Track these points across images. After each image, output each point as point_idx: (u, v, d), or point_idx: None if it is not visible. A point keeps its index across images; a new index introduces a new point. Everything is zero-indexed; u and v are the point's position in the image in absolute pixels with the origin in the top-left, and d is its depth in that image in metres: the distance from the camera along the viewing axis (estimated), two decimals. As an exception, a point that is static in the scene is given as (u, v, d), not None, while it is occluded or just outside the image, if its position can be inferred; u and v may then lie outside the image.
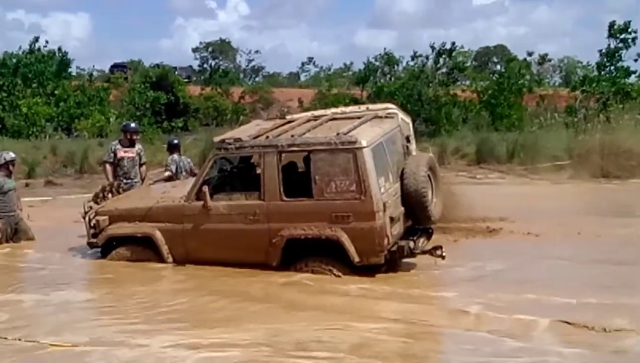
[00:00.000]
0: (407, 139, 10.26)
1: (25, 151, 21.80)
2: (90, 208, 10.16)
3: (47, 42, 32.10)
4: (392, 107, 10.65)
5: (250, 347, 6.67)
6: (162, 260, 9.47)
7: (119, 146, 11.89)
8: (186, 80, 36.38)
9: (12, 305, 8.25)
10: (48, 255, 10.53)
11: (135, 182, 11.74)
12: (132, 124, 12.66)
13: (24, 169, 20.10)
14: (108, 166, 11.89)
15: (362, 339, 6.80)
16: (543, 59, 35.47)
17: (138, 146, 12.13)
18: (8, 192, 11.20)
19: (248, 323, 7.34)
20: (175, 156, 12.42)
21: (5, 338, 7.04)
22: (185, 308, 8.07)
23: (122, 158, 11.80)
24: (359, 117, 9.88)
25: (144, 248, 9.61)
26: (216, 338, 6.92)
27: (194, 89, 37.00)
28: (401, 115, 10.56)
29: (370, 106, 10.84)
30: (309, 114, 11.20)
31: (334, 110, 10.97)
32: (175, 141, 13.05)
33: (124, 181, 11.54)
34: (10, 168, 11.39)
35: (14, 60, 30.74)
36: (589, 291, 8.23)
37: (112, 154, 11.85)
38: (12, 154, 11.51)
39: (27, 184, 18.58)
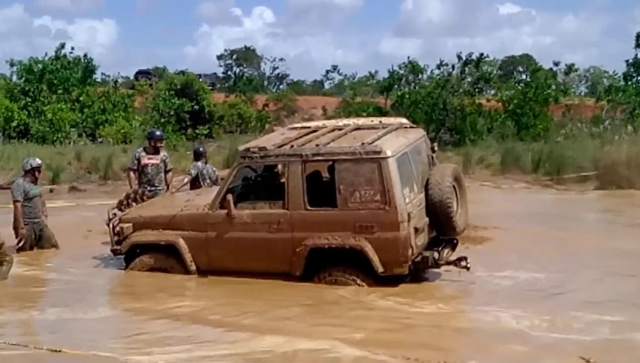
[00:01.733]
0: (433, 150, 10.20)
1: (49, 157, 21.85)
2: (114, 215, 10.19)
3: (72, 48, 32.30)
4: (405, 122, 10.60)
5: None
6: (185, 268, 9.47)
7: (143, 153, 11.92)
8: (210, 87, 36.47)
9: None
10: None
11: (160, 189, 11.75)
12: (157, 132, 12.67)
13: (48, 175, 20.13)
14: (132, 174, 11.94)
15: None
16: (570, 69, 35.16)
17: (163, 153, 12.16)
18: (33, 198, 11.23)
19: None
20: (200, 163, 12.35)
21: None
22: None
23: (146, 165, 11.82)
24: (384, 127, 9.84)
25: (167, 256, 9.62)
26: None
27: (218, 96, 37.08)
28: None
29: (384, 120, 10.77)
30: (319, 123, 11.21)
31: (345, 121, 10.93)
32: (201, 149, 12.96)
33: (148, 188, 11.55)
34: (37, 174, 11.42)
35: (40, 66, 30.99)
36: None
37: (135, 161, 11.89)
38: (38, 161, 11.54)
39: (51, 190, 18.59)
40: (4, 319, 8.10)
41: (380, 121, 10.49)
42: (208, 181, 12.10)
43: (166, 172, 12.07)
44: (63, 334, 7.59)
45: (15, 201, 11.07)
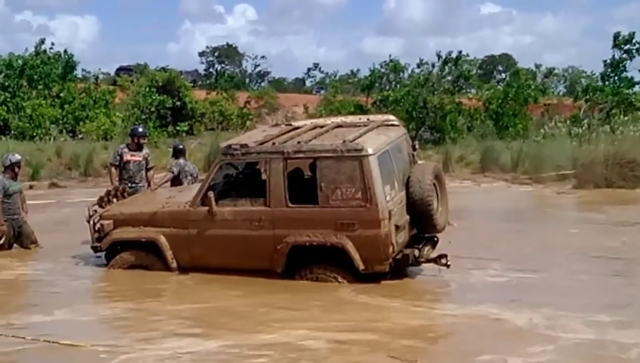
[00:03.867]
0: (414, 148, 10.25)
1: (29, 153, 21.72)
2: (95, 211, 10.15)
3: (53, 44, 32.15)
4: (392, 118, 10.65)
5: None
6: (166, 265, 9.46)
7: (125, 150, 11.87)
8: (192, 84, 36.35)
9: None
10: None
11: (141, 186, 11.71)
12: (140, 128, 12.60)
13: (28, 171, 20.03)
14: (113, 169, 11.93)
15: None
16: (550, 72, 35.49)
17: (145, 151, 12.11)
18: (12, 195, 11.17)
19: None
20: (181, 160, 12.26)
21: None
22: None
23: (128, 161, 11.78)
24: (365, 125, 9.87)
25: (148, 253, 9.61)
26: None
27: (199, 93, 36.98)
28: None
29: (371, 117, 10.81)
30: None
31: (333, 119, 10.94)
32: (181, 146, 12.84)
33: (129, 184, 11.52)
34: (16, 169, 11.34)
35: (20, 61, 30.78)
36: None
37: (118, 157, 11.85)
38: (17, 156, 11.47)
39: (31, 187, 18.50)
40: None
41: (368, 118, 10.52)
42: (189, 178, 12.08)
43: (147, 169, 12.01)
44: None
45: None
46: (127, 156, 11.80)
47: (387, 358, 6.65)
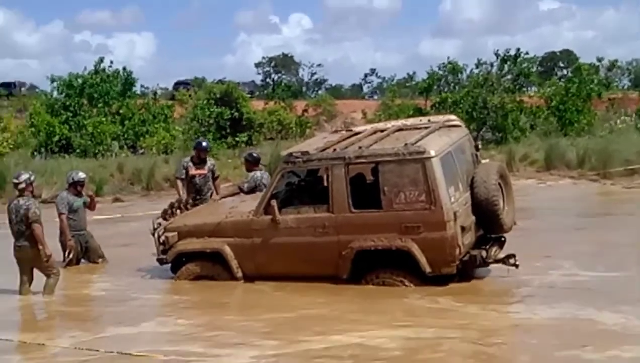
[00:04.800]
0: (477, 148, 10.07)
1: (92, 170, 22.08)
2: (159, 224, 10.22)
3: (111, 62, 32.63)
4: (453, 118, 10.48)
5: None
6: (231, 275, 9.46)
7: (190, 164, 11.90)
8: (249, 95, 36.59)
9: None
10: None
11: (208, 198, 11.71)
12: (204, 143, 12.52)
13: (92, 187, 20.35)
14: (179, 182, 11.92)
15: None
16: (613, 65, 34.70)
17: (210, 162, 12.13)
18: (77, 210, 11.32)
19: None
20: (258, 173, 11.29)
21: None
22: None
23: (194, 176, 11.82)
24: (426, 127, 9.74)
25: (213, 264, 9.62)
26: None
27: (257, 103, 37.19)
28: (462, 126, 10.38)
29: (432, 118, 10.65)
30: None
31: (394, 122, 10.82)
32: (255, 155, 11.94)
33: (197, 197, 11.56)
34: (78, 188, 11.49)
35: (80, 81, 31.34)
36: None
37: (183, 171, 11.88)
38: (82, 175, 11.59)
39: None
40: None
41: (429, 120, 10.37)
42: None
43: (214, 179, 12.05)
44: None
45: (60, 214, 11.16)
46: (193, 171, 11.82)
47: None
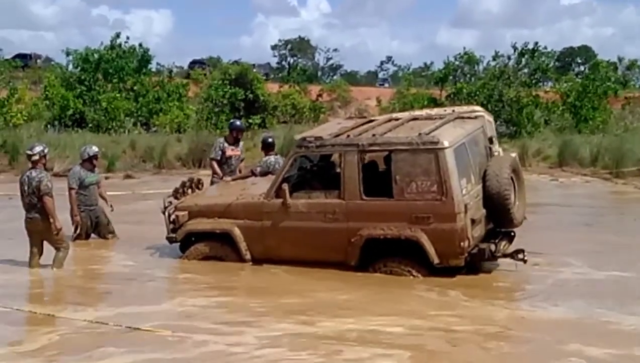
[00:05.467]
0: (490, 140, 10.03)
1: (105, 145, 22.17)
2: (170, 203, 10.25)
3: (128, 38, 32.56)
4: (478, 109, 10.45)
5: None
6: (239, 256, 9.49)
7: (226, 144, 11.90)
8: (264, 77, 36.52)
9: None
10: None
11: None
12: (238, 122, 12.57)
13: (103, 163, 20.47)
14: (215, 164, 11.87)
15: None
16: (633, 64, 34.42)
17: (241, 143, 12.18)
18: (89, 186, 11.36)
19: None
20: (271, 158, 11.28)
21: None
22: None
23: (230, 157, 11.85)
24: (440, 118, 9.71)
25: (222, 245, 9.65)
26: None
27: (271, 86, 37.15)
28: (486, 116, 10.34)
29: (457, 109, 10.62)
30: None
31: (418, 112, 10.80)
32: (270, 140, 11.85)
33: (232, 177, 11.58)
34: (94, 162, 11.56)
35: (96, 55, 31.32)
36: None
37: (219, 152, 11.86)
38: (95, 149, 11.65)
39: (106, 178, 18.81)
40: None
41: (453, 110, 10.35)
42: None
43: (240, 161, 12.13)
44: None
45: (70, 189, 11.21)
46: (229, 151, 11.84)
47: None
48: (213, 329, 7.23)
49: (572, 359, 6.42)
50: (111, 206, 11.54)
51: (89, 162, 11.48)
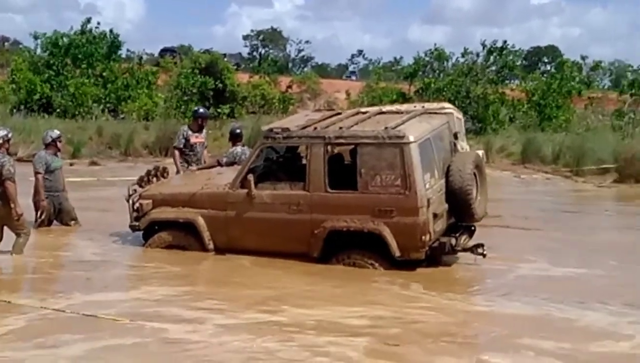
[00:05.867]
0: (455, 136, 10.16)
1: (71, 131, 22.00)
2: (134, 191, 10.23)
3: (99, 23, 32.29)
4: (448, 106, 10.59)
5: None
6: (203, 246, 9.51)
7: (190, 132, 11.89)
8: (235, 67, 36.39)
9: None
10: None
11: None
12: (201, 110, 12.61)
13: (69, 149, 20.34)
14: (177, 153, 11.87)
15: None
16: (597, 65, 34.85)
17: (204, 131, 12.18)
18: (54, 171, 11.29)
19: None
20: (238, 148, 11.34)
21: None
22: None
23: (195, 144, 11.83)
24: (407, 112, 9.82)
25: (185, 234, 9.65)
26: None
27: (242, 76, 36.99)
28: (455, 113, 10.48)
29: (427, 105, 10.75)
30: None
31: (388, 107, 10.92)
32: (238, 131, 11.80)
33: (198, 165, 11.60)
34: (58, 145, 11.48)
35: (65, 40, 30.98)
36: None
37: (183, 140, 11.84)
38: (57, 132, 11.57)
39: (71, 164, 18.72)
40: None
41: (423, 106, 10.47)
42: None
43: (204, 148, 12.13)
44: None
45: (36, 173, 11.10)
46: (193, 139, 11.83)
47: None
48: (173, 317, 7.26)
49: (523, 352, 6.54)
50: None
51: (54, 146, 11.40)
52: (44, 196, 11.08)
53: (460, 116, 10.65)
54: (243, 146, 11.64)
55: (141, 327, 6.95)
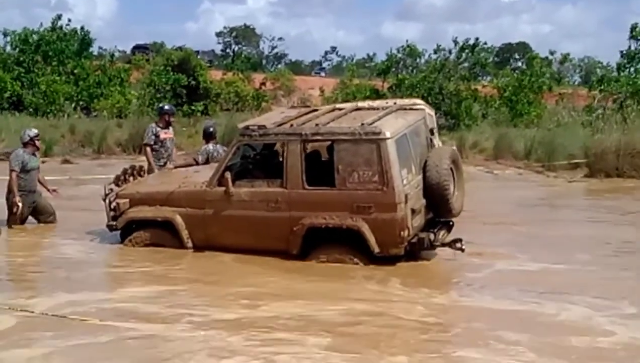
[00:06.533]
0: (431, 132, 10.23)
1: (43, 129, 21.45)
2: (111, 190, 10.19)
3: (69, 20, 32.20)
4: (419, 102, 10.65)
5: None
6: (181, 244, 9.51)
7: (158, 129, 11.87)
8: (208, 64, 36.25)
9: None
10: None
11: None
12: (167, 106, 12.62)
13: (41, 147, 20.13)
14: (149, 150, 11.81)
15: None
16: (565, 58, 35.19)
17: (170, 127, 12.17)
18: (30, 171, 11.21)
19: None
20: (210, 146, 11.50)
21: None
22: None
23: (165, 140, 11.82)
24: (383, 109, 9.88)
25: (163, 232, 9.65)
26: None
27: (215, 73, 36.89)
28: (427, 110, 10.55)
29: (398, 101, 10.80)
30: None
31: (361, 103, 10.96)
32: (211, 129, 11.88)
33: (170, 162, 11.62)
34: (37, 143, 11.44)
35: (35, 37, 30.71)
36: None
37: (153, 137, 11.81)
38: (34, 130, 11.57)
39: (43, 162, 18.47)
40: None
41: (395, 102, 10.51)
42: None
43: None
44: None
45: (11, 171, 11.04)
46: (162, 135, 11.84)
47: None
48: (147, 316, 7.26)
49: (499, 345, 6.60)
50: (54, 190, 11.46)
51: (32, 145, 11.33)
52: (18, 195, 10.98)
53: (432, 112, 10.70)
54: (216, 143, 11.68)
55: (113, 327, 6.92)
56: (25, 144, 11.31)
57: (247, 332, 6.83)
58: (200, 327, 6.95)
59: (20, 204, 11.01)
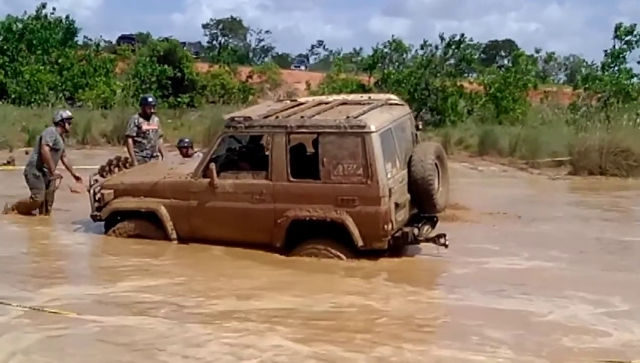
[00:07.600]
0: (417, 127, 10.26)
1: (26, 119, 21.73)
2: (96, 181, 10.18)
3: (54, 8, 31.91)
4: (394, 98, 10.66)
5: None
6: (165, 236, 9.50)
7: (141, 120, 11.79)
8: (194, 56, 36.14)
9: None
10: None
11: (157, 155, 11.73)
12: (149, 98, 12.47)
13: (24, 137, 20.08)
14: (130, 141, 11.70)
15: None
16: (550, 57, 35.34)
17: (156, 118, 12.11)
18: (57, 151, 11.17)
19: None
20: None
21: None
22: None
23: (147, 131, 11.73)
24: (369, 103, 9.89)
25: (147, 223, 9.64)
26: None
27: (201, 65, 36.80)
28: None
29: (373, 96, 10.82)
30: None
31: (335, 97, 10.97)
32: (187, 141, 12.44)
33: (153, 153, 11.60)
34: (67, 126, 11.38)
35: (19, 25, 30.50)
36: None
37: (135, 128, 11.71)
38: (68, 113, 11.59)
39: (26, 153, 18.45)
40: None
41: (370, 97, 10.53)
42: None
43: (159, 136, 12.06)
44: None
45: (45, 145, 10.98)
46: (145, 126, 11.72)
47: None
48: (125, 309, 7.25)
49: (482, 341, 6.61)
50: (77, 177, 11.27)
51: (62, 126, 11.26)
52: (54, 167, 11.02)
53: (407, 108, 10.71)
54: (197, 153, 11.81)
55: (90, 320, 6.88)
56: (56, 123, 11.24)
57: (227, 323, 6.84)
58: (179, 319, 6.95)
59: (61, 177, 11.09)
